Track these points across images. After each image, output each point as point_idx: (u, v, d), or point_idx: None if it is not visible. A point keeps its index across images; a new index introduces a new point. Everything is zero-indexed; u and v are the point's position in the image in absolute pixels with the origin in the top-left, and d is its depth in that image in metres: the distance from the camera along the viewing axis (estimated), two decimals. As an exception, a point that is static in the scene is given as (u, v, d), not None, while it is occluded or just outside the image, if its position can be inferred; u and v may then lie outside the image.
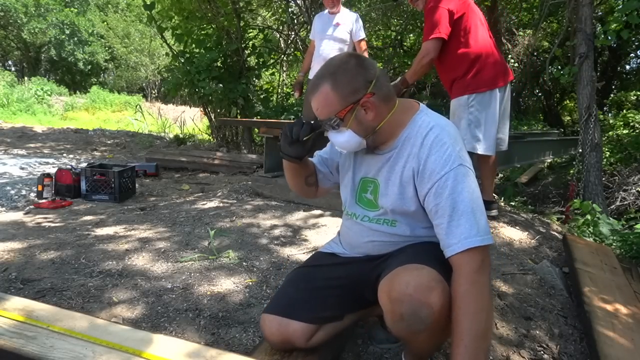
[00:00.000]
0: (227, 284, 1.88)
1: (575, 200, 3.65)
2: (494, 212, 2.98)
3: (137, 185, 4.04)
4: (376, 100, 1.14)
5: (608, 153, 6.09)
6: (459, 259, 1.05)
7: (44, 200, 3.55)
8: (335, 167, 1.41)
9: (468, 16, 2.58)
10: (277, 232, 2.58)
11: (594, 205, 3.42)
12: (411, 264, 1.10)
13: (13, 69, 24.70)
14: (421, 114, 1.20)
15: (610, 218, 3.43)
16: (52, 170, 4.34)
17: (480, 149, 2.64)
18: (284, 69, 9.80)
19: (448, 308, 1.05)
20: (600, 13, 8.58)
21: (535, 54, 10.93)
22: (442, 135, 1.14)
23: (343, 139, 1.18)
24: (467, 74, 2.60)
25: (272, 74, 10.20)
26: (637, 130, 6.56)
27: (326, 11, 3.83)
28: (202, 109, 7.61)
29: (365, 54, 3.84)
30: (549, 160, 7.51)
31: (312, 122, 1.19)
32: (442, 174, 1.09)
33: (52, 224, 2.86)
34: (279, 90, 8.77)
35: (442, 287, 1.05)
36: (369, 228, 1.29)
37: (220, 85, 6.14)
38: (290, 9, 8.46)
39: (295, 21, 8.22)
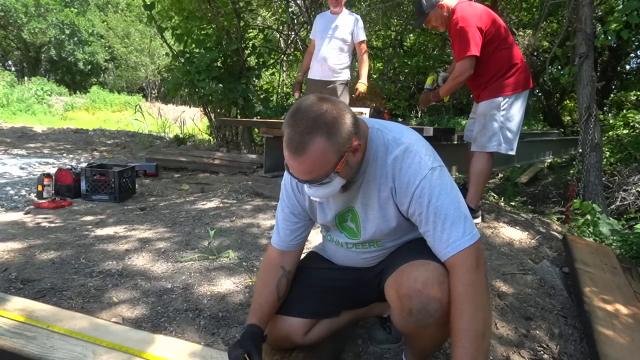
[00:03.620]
0: (227, 284, 1.87)
1: (575, 200, 3.65)
2: (477, 220, 2.96)
3: (137, 185, 4.04)
4: (359, 139, 1.06)
5: (608, 153, 6.09)
6: (453, 261, 1.05)
7: (44, 200, 3.55)
8: (306, 211, 1.30)
9: (498, 23, 2.68)
10: (277, 232, 2.58)
11: (594, 205, 3.42)
12: (417, 260, 1.11)
13: (13, 69, 24.70)
14: (373, 130, 1.14)
15: (610, 218, 3.43)
16: (52, 170, 4.34)
17: (504, 149, 2.73)
18: (284, 69, 9.80)
19: None
20: (600, 13, 8.58)
21: (535, 54, 10.93)
22: (402, 142, 1.12)
23: (329, 190, 1.07)
24: (504, 75, 2.68)
25: (272, 74, 10.20)
26: (637, 130, 6.56)
27: (328, 11, 3.83)
28: (202, 109, 7.61)
29: (366, 56, 3.84)
30: (549, 160, 7.52)
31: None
32: (416, 184, 1.08)
33: (52, 224, 2.86)
34: (279, 90, 8.77)
35: (449, 282, 1.06)
36: (356, 252, 1.29)
37: (220, 85, 6.13)
38: (290, 9, 8.45)
39: (295, 21, 8.22)
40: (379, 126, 1.16)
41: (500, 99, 2.69)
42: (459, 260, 1.05)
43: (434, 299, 1.04)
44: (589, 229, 3.25)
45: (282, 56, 8.46)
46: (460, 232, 1.05)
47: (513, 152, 2.80)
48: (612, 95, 10.70)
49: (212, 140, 7.63)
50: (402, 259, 1.17)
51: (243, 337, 1.14)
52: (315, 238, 2.50)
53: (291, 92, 6.18)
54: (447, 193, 1.07)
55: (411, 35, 10.48)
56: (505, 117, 2.71)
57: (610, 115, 9.06)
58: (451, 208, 1.06)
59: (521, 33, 9.98)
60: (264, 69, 7.46)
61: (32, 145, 6.68)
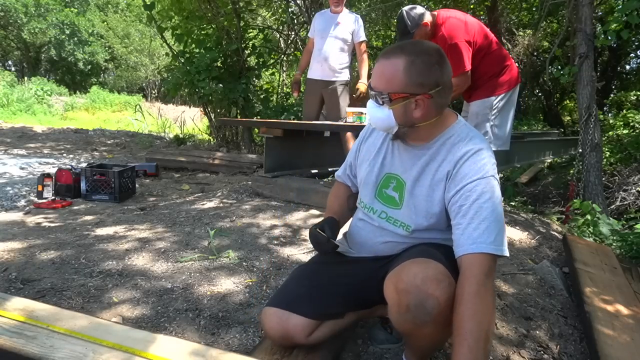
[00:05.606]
0: (227, 284, 1.88)
1: (575, 200, 3.65)
2: None
3: (137, 185, 4.04)
4: (431, 103, 1.14)
5: (608, 153, 6.09)
6: (470, 260, 1.06)
7: (44, 200, 3.55)
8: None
9: (483, 31, 2.77)
10: (277, 232, 2.58)
11: (594, 205, 3.42)
12: (419, 258, 1.12)
13: (13, 69, 24.69)
14: (460, 124, 1.22)
15: (610, 218, 3.43)
16: (52, 170, 4.34)
17: (496, 145, 2.84)
18: (284, 69, 9.80)
19: (453, 303, 1.05)
20: (600, 13, 8.58)
21: (535, 54, 10.94)
22: (482, 147, 1.16)
23: (379, 115, 1.18)
24: (494, 76, 2.79)
25: (272, 74, 10.20)
26: (637, 130, 6.55)
27: (327, 10, 3.82)
28: (202, 109, 7.61)
29: (365, 56, 3.83)
30: (549, 160, 7.51)
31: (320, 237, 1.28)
32: (473, 179, 1.11)
33: (52, 224, 2.86)
34: (279, 90, 8.77)
35: (449, 281, 1.06)
36: (383, 228, 1.29)
37: (220, 85, 6.13)
38: (290, 9, 8.45)
39: (295, 21, 8.22)
40: (465, 124, 1.23)
41: (493, 98, 2.80)
42: (476, 260, 1.05)
43: (431, 296, 1.03)
44: (589, 229, 3.25)
45: (282, 56, 8.46)
46: (491, 237, 1.06)
47: (507, 148, 2.90)
48: (612, 95, 10.70)
49: (212, 140, 7.63)
50: (406, 256, 1.17)
51: (321, 222, 1.35)
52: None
53: (291, 93, 6.22)
54: (494, 202, 1.10)
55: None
56: (497, 115, 2.82)
57: (610, 115, 9.05)
58: (492, 216, 1.08)
59: (521, 33, 9.98)
60: (264, 69, 7.45)
61: (32, 145, 6.68)
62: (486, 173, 1.11)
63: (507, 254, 1.08)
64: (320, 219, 2.90)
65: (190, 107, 15.94)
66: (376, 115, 1.19)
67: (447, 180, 1.16)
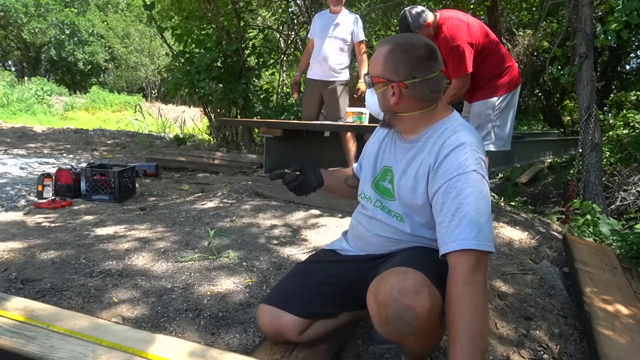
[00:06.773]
0: (227, 284, 1.88)
1: (575, 200, 3.65)
2: None
3: (137, 185, 4.04)
4: (406, 93, 1.17)
5: (608, 153, 6.09)
6: (454, 258, 1.05)
7: (44, 200, 3.55)
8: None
9: (485, 32, 2.77)
10: (277, 232, 2.58)
11: (594, 205, 3.42)
12: (398, 267, 1.10)
13: (13, 69, 24.68)
14: (451, 119, 1.22)
15: (610, 218, 3.43)
16: (52, 170, 4.34)
17: (497, 146, 2.87)
18: (284, 69, 9.80)
19: (436, 312, 1.04)
20: (600, 13, 8.58)
21: (535, 54, 10.94)
22: (465, 141, 1.14)
23: (369, 98, 1.29)
24: (496, 77, 2.79)
25: (272, 74, 10.20)
26: (637, 130, 6.56)
27: (326, 11, 3.83)
28: (202, 109, 7.61)
29: (365, 56, 3.83)
30: (549, 160, 7.51)
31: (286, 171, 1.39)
32: (454, 174, 1.10)
33: (52, 224, 2.86)
34: (279, 90, 8.77)
35: (429, 291, 1.03)
36: (377, 219, 1.30)
37: (220, 85, 6.14)
38: (290, 9, 8.46)
39: (295, 21, 8.22)
40: (458, 119, 1.24)
41: (495, 99, 2.80)
42: (460, 258, 1.04)
43: (409, 308, 1.01)
44: (589, 229, 3.25)
45: (282, 56, 8.46)
46: (473, 233, 1.04)
47: (508, 148, 2.93)
48: (612, 95, 10.69)
49: (212, 140, 7.63)
50: (390, 264, 1.16)
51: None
52: (317, 239, 2.50)
53: (291, 93, 6.23)
54: (476, 198, 1.08)
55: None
56: (499, 116, 2.83)
57: (610, 115, 9.05)
58: (473, 211, 1.06)
59: (521, 33, 9.99)
60: (264, 69, 7.45)
61: (32, 145, 6.68)
62: (467, 168, 1.10)
63: (492, 249, 1.07)
64: (320, 219, 2.91)
65: (190, 107, 15.95)
66: (368, 97, 1.29)
67: (430, 174, 1.16)
